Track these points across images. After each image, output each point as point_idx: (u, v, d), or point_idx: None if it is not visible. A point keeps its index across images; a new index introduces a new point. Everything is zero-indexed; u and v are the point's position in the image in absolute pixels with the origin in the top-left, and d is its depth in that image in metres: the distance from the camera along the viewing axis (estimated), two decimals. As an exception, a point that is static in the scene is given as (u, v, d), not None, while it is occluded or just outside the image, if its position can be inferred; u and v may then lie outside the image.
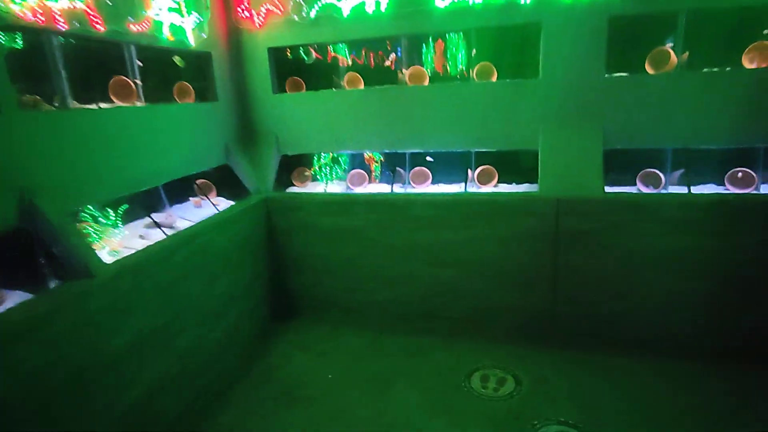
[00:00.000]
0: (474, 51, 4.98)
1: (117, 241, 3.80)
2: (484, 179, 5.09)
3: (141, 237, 3.93)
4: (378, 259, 4.88)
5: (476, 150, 5.00)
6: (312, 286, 5.21)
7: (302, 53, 6.15)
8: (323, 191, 5.28)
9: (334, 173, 6.25)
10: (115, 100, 3.86)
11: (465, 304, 4.77)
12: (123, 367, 3.10)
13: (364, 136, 5.12)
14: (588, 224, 4.21)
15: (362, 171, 5.63)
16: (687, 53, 4.31)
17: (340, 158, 6.31)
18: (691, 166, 4.80)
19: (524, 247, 4.43)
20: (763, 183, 4.57)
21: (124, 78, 3.92)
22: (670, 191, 4.65)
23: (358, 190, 5.41)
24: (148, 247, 3.54)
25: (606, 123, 4.41)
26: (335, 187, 5.57)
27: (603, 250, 4.23)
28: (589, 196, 4.18)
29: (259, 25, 4.95)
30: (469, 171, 5.12)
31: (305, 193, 5.27)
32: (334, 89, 5.33)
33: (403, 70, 5.17)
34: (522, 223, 4.38)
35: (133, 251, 3.46)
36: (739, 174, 4.61)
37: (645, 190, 4.79)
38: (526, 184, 5.11)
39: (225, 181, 5.18)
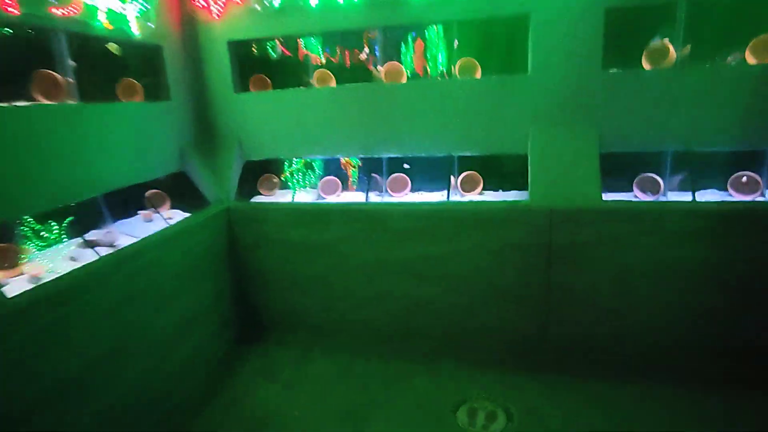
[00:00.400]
0: (456, 42, 4.55)
1: (40, 266, 3.24)
2: (468, 186, 4.65)
3: (72, 259, 3.37)
4: (352, 275, 4.39)
5: (459, 154, 4.55)
6: (280, 305, 4.69)
7: (269, 49, 5.66)
8: (292, 201, 4.77)
9: (306, 180, 5.77)
10: (40, 97, 3.31)
11: (449, 324, 4.30)
12: (45, 416, 2.56)
13: (336, 139, 4.64)
14: (584, 236, 3.78)
15: (335, 178, 5.15)
16: (689, 46, 3.94)
17: (313, 163, 5.82)
18: (691, 169, 4.44)
19: (514, 261, 3.99)
20: (770, 188, 4.23)
21: (51, 72, 3.37)
22: (670, 198, 4.27)
23: (331, 198, 4.92)
24: (76, 270, 2.99)
25: (602, 123, 4.00)
26: (306, 196, 5.08)
27: (600, 265, 3.81)
28: (586, 206, 3.76)
29: (218, 15, 4.44)
30: (451, 177, 4.68)
31: (271, 203, 4.76)
32: (302, 88, 4.83)
33: (379, 68, 4.72)
34: (511, 236, 3.94)
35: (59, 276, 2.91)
36: (744, 178, 4.25)
37: (642, 196, 4.41)
38: (514, 191, 4.69)
39: (181, 191, 4.64)
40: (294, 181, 5.72)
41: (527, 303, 4.05)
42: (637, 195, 4.42)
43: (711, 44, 4.06)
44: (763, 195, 4.20)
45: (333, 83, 4.79)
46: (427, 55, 5.63)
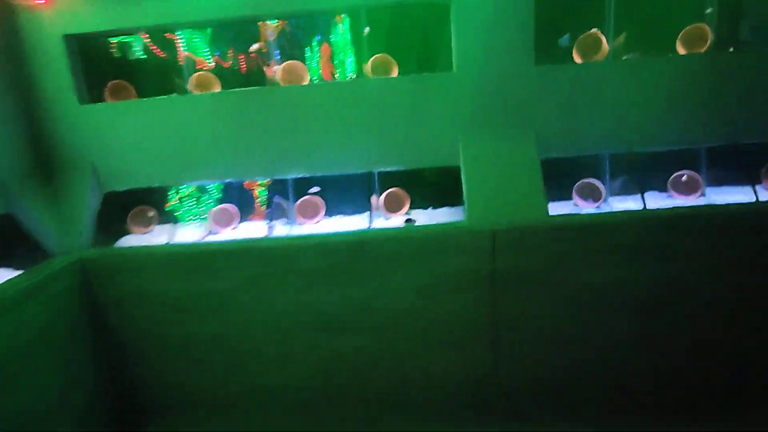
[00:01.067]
0: (367, 30, 3.81)
1: None
2: (392, 206, 3.92)
3: None
4: (258, 332, 3.46)
5: (379, 170, 3.81)
6: (167, 380, 3.61)
7: (134, 48, 4.55)
8: (172, 242, 3.73)
9: (200, 209, 4.72)
10: None
11: (383, 379, 3.52)
12: None
13: (225, 159, 3.69)
14: (533, 259, 3.20)
15: (231, 206, 4.16)
16: (623, 35, 3.54)
17: (207, 187, 4.78)
18: (632, 172, 4.10)
19: (453, 296, 3.30)
20: (709, 186, 3.98)
21: None
22: (614, 205, 3.87)
23: (226, 233, 3.95)
24: None
25: (539, 126, 3.47)
26: (195, 232, 4.05)
27: (554, 291, 3.25)
28: (532, 224, 3.17)
29: (46, 0, 3.30)
30: (373, 197, 3.92)
31: (143, 247, 3.67)
32: (176, 95, 3.82)
33: (275, 68, 3.85)
34: (448, 266, 3.25)
35: None
36: (684, 178, 3.96)
37: (583, 204, 3.96)
38: (445, 208, 4.04)
39: (8, 242, 3.41)
40: (183, 211, 4.65)
41: (473, 343, 3.39)
42: (577, 203, 3.97)
43: (644, 34, 3.70)
44: (703, 194, 3.93)
45: (217, 88, 3.83)
46: (335, 61, 4.88)
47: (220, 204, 4.39)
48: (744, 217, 3.19)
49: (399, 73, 3.76)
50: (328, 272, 3.33)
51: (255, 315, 3.42)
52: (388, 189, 4.02)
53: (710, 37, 3.58)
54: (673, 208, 3.23)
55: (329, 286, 3.35)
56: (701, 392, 3.30)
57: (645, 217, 3.21)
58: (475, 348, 3.39)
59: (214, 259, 3.38)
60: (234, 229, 3.98)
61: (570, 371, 3.39)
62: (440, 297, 3.33)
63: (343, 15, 4.57)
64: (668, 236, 3.12)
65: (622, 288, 3.20)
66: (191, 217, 4.70)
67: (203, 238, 3.78)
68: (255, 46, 3.98)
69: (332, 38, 4.93)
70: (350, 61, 4.81)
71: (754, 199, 3.57)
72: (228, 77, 4.89)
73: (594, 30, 3.68)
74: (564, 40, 3.90)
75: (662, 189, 4.09)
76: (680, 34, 3.67)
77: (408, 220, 3.73)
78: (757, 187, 3.89)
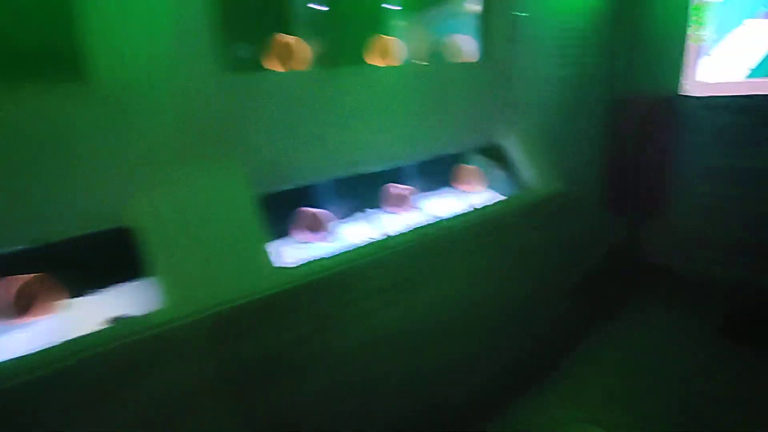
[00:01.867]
0: None
1: None
2: (25, 304, 2.35)
3: None
4: None
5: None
6: None
7: None
8: None
9: None
10: None
11: None
12: None
13: None
14: (278, 337, 2.37)
15: None
16: (319, 43, 3.05)
17: None
18: (344, 190, 3.76)
19: (181, 421, 2.15)
20: (420, 193, 4.04)
21: None
22: (343, 232, 3.43)
23: None
24: None
25: (245, 155, 2.60)
26: None
27: (318, 363, 2.52)
28: (263, 291, 2.31)
29: None
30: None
31: None
32: None
33: None
34: (156, 381, 2.07)
35: None
36: (394, 191, 3.90)
37: (310, 237, 3.39)
38: (119, 287, 2.67)
39: None
40: None
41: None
42: (303, 239, 3.38)
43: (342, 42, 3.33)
44: (414, 204, 3.97)
45: None
46: None
47: None
48: (474, 229, 3.22)
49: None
50: None
51: None
52: (16, 275, 2.41)
53: (402, 49, 3.53)
54: (408, 232, 2.96)
55: None
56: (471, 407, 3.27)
57: (385, 248, 2.82)
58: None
59: None
60: None
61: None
62: (163, 428, 2.13)
63: None
64: (412, 266, 2.84)
65: (383, 330, 2.75)
66: None
67: None
68: None
69: None
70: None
71: (467, 208, 3.70)
72: None
73: (284, 35, 3.07)
74: (241, 48, 3.14)
75: (375, 206, 3.94)
76: (369, 45, 3.49)
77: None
78: (453, 188, 4.25)
